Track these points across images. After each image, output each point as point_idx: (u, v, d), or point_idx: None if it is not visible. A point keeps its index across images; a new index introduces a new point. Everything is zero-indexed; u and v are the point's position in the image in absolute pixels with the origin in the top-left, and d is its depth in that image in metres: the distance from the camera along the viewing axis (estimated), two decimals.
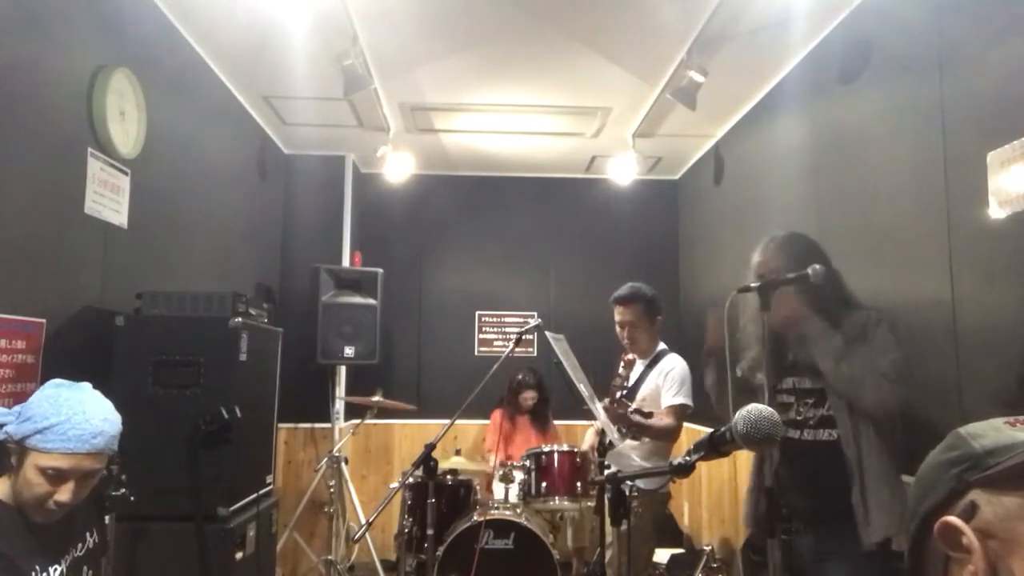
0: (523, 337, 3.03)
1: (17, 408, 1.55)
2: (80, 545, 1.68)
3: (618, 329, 3.26)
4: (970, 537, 0.67)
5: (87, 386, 1.63)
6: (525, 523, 3.47)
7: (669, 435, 3.10)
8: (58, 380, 1.61)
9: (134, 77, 2.76)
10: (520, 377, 4.76)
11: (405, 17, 3.15)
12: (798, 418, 2.20)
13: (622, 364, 2.95)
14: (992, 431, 0.72)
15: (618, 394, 2.89)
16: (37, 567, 1.52)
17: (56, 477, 1.51)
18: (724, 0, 2.95)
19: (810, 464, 2.15)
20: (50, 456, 1.49)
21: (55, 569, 1.57)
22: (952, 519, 0.69)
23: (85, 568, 1.68)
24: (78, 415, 1.53)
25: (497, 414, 4.83)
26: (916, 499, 0.76)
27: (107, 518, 1.81)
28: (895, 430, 2.11)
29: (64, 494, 1.52)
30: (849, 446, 2.08)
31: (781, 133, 3.68)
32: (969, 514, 0.69)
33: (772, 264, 2.24)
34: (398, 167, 4.52)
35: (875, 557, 1.98)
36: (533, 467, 3.45)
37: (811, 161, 3.32)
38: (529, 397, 4.76)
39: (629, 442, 3.06)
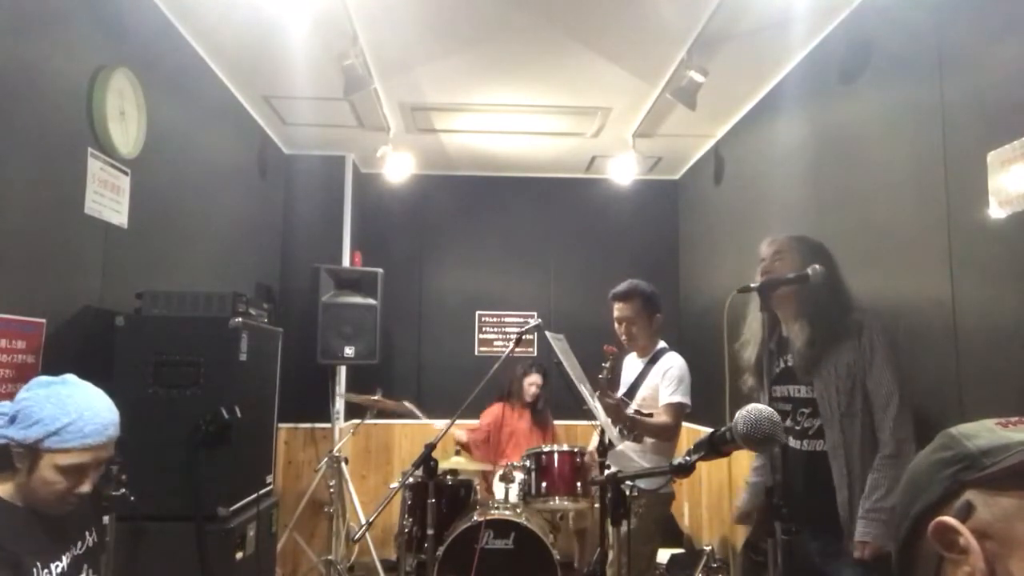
0: (523, 337, 3.03)
1: (5, 410, 1.55)
2: (80, 543, 1.69)
3: (616, 326, 3.25)
4: (967, 537, 0.66)
5: (74, 378, 1.64)
6: (525, 523, 3.47)
7: (665, 433, 3.06)
8: (43, 378, 1.62)
9: (134, 77, 2.76)
10: (528, 362, 4.83)
11: (405, 17, 3.15)
12: (796, 428, 2.18)
13: (607, 357, 2.95)
14: (985, 432, 0.71)
15: (619, 393, 2.88)
16: (39, 563, 1.53)
17: (77, 472, 1.56)
18: (724, 0, 2.95)
19: (811, 474, 2.14)
20: (70, 454, 1.53)
21: (56, 566, 1.58)
22: (948, 519, 0.68)
23: (85, 566, 1.69)
24: (88, 410, 1.57)
25: (498, 407, 4.73)
26: (907, 500, 0.75)
27: (106, 518, 1.81)
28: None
29: (86, 485, 1.59)
30: (837, 457, 2.07)
31: (781, 133, 3.67)
32: (965, 515, 0.68)
33: (782, 246, 2.24)
34: (398, 167, 4.51)
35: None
36: (533, 467, 3.45)
37: (811, 161, 3.32)
38: (534, 383, 4.74)
39: (630, 443, 3.05)
